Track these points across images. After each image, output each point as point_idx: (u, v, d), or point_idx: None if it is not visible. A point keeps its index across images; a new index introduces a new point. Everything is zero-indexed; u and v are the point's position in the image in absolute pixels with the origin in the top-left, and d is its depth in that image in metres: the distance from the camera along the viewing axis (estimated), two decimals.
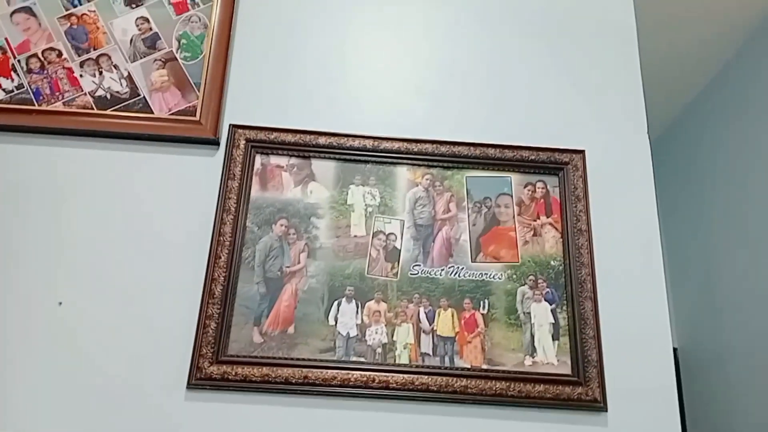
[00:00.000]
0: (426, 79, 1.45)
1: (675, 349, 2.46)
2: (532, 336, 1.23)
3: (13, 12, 1.41)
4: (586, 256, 1.28)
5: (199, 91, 1.37)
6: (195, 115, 1.34)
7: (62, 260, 1.22)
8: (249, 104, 1.38)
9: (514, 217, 1.34)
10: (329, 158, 1.34)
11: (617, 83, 1.47)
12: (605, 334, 1.21)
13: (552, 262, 1.29)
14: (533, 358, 1.21)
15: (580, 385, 1.17)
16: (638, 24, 1.55)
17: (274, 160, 1.33)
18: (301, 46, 1.45)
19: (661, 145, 2.84)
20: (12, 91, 1.34)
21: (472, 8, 1.52)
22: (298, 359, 1.17)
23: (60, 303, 1.19)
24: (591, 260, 1.28)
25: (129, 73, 1.37)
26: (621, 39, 1.52)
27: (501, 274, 1.28)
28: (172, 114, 1.35)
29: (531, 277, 1.28)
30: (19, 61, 1.37)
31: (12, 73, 1.35)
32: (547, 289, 1.27)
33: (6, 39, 1.38)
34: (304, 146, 1.34)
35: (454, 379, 1.18)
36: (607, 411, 1.16)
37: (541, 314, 1.25)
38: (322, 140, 1.34)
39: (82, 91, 1.35)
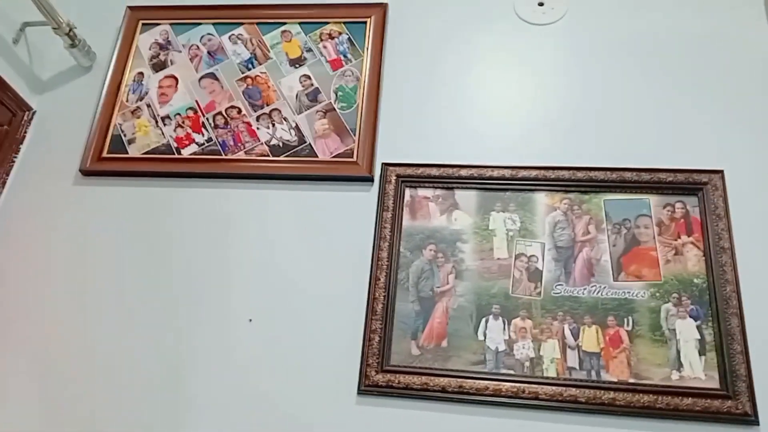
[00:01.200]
0: (560, 108, 1.55)
1: None
2: (678, 351, 1.27)
3: (201, 77, 1.69)
4: (730, 274, 1.30)
5: (354, 135, 1.56)
6: (352, 157, 1.53)
7: (251, 282, 1.44)
8: (397, 144, 1.55)
9: (654, 237, 1.39)
10: (471, 188, 1.47)
11: (753, 101, 1.48)
12: (753, 349, 1.22)
13: (695, 280, 1.33)
14: (680, 372, 1.25)
15: (730, 399, 1.19)
16: None
17: (422, 192, 1.48)
18: (441, 90, 1.61)
19: None
20: (203, 144, 1.61)
21: (600, 34, 1.61)
22: (452, 370, 1.30)
23: (250, 320, 1.40)
24: (735, 277, 1.29)
25: (296, 124, 1.60)
26: (756, 55, 1.53)
27: (644, 293, 1.33)
28: (333, 157, 1.55)
29: (674, 295, 1.32)
30: (207, 118, 1.64)
31: (202, 128, 1.62)
32: (692, 306, 1.30)
33: (196, 101, 1.66)
34: (447, 179, 1.48)
35: (602, 391, 1.24)
36: (759, 425, 1.17)
37: (687, 330, 1.29)
38: (463, 172, 1.48)
39: (259, 141, 1.59)
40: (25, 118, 1.68)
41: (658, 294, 1.33)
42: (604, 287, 1.35)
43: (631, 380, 1.25)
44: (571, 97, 1.56)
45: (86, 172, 1.59)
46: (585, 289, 1.35)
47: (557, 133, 1.52)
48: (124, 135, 1.63)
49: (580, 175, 1.44)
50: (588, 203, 1.43)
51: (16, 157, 1.63)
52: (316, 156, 1.56)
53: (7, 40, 1.62)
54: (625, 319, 1.31)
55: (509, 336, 1.32)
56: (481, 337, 1.33)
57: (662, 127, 1.48)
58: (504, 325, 1.33)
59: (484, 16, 1.70)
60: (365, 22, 1.70)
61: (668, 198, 1.42)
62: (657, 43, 1.58)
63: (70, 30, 1.64)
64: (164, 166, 1.58)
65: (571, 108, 1.54)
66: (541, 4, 1.70)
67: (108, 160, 1.60)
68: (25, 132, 1.67)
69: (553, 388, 1.26)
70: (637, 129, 1.49)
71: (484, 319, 1.34)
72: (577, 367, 1.28)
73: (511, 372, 1.29)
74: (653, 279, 1.35)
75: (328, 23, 1.71)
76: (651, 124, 1.49)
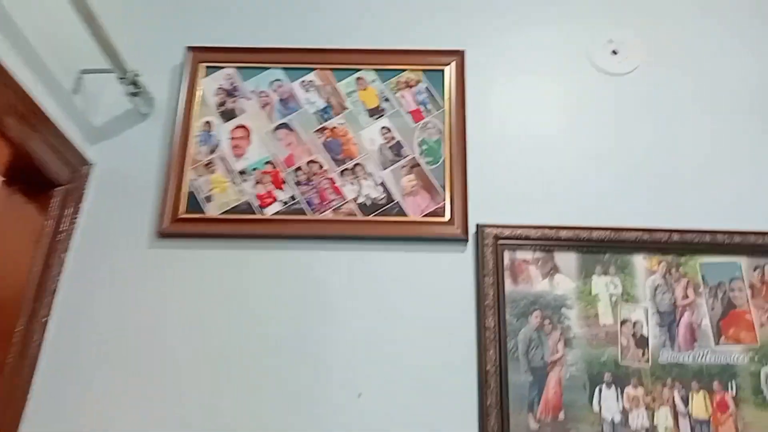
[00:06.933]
0: (653, 163, 1.57)
1: None
2: None
3: (276, 128, 1.61)
4: None
5: (444, 192, 1.53)
6: (443, 216, 1.51)
7: (353, 353, 1.40)
8: (488, 203, 1.53)
9: (748, 300, 1.43)
10: (570, 250, 1.47)
11: None
12: None
13: None
14: None
15: None
16: None
17: (520, 254, 1.47)
18: (528, 144, 1.60)
19: None
20: (287, 202, 1.54)
21: (697, 93, 1.64)
22: None
23: (360, 395, 1.37)
24: None
25: (383, 180, 1.55)
26: None
27: (743, 357, 1.38)
28: (424, 216, 1.51)
29: None
30: (288, 174, 1.56)
31: (284, 184, 1.55)
32: None
33: (274, 154, 1.58)
34: (546, 240, 1.48)
35: None
36: None
37: None
38: (563, 234, 1.48)
39: (345, 199, 1.53)
40: (83, 173, 1.55)
41: (756, 358, 1.38)
42: (707, 352, 1.39)
43: None
44: (663, 157, 1.58)
45: (164, 234, 1.50)
46: (690, 354, 1.39)
47: (652, 190, 1.54)
48: (199, 192, 1.54)
49: (675, 237, 1.47)
50: (684, 266, 1.46)
51: (76, 219, 1.51)
52: (406, 215, 1.52)
53: (65, 89, 1.49)
54: (729, 384, 1.36)
55: (623, 407, 1.35)
56: (596, 408, 1.35)
57: (752, 188, 1.53)
58: (617, 394, 1.36)
59: (559, 64, 1.69)
60: (442, 71, 1.65)
61: (758, 260, 1.46)
62: (745, 100, 1.62)
63: (135, 78, 1.53)
64: (248, 227, 1.51)
65: (665, 164, 1.57)
66: (615, 53, 1.71)
67: (186, 221, 1.51)
68: (84, 189, 1.55)
69: None
70: (727, 190, 1.53)
71: (597, 389, 1.36)
72: None
73: None
74: (751, 342, 1.40)
75: (404, 71, 1.66)
76: (742, 185, 1.53)
